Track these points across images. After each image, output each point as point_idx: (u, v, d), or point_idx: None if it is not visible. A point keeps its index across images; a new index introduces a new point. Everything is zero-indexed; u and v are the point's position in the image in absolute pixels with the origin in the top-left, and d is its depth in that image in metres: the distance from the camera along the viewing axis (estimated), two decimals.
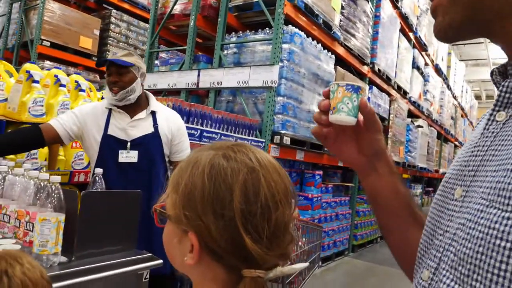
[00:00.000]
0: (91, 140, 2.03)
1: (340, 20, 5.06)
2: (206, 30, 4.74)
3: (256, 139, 3.77)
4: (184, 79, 4.52)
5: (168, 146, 2.12)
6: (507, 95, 0.50)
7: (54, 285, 1.00)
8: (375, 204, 0.76)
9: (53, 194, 1.28)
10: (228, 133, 3.51)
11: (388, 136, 6.69)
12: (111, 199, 1.53)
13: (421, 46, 8.69)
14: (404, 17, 7.33)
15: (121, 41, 6.50)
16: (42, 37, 5.43)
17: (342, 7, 5.06)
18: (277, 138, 3.91)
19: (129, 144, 2.01)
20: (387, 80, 6.75)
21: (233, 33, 4.51)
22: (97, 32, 6.06)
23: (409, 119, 8.02)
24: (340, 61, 5.23)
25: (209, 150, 0.62)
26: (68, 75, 2.70)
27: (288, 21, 4.10)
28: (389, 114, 6.84)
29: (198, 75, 4.38)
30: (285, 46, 3.99)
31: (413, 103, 8.31)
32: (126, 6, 6.85)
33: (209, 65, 4.65)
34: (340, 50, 5.15)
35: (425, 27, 8.64)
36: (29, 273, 0.80)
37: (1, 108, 2.33)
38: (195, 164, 0.60)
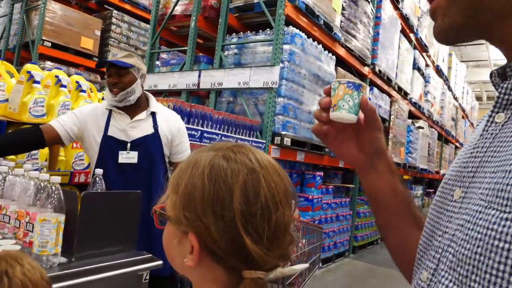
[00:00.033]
0: (91, 141, 2.03)
1: (341, 21, 5.06)
2: (207, 31, 4.75)
3: (256, 140, 3.77)
4: (185, 79, 4.52)
5: (168, 147, 2.12)
6: (506, 97, 0.50)
7: (54, 285, 1.00)
8: (375, 203, 0.76)
9: (53, 195, 1.28)
10: (229, 134, 3.51)
11: (389, 137, 6.68)
12: (111, 199, 1.53)
13: (422, 47, 8.69)
14: (405, 18, 7.33)
15: (122, 41, 6.51)
16: (43, 38, 5.44)
17: (343, 8, 5.06)
18: (277, 139, 3.91)
19: (129, 145, 2.01)
20: (388, 81, 6.75)
21: (234, 34, 4.52)
22: (98, 33, 6.07)
23: (410, 120, 8.02)
24: (340, 62, 5.23)
25: (209, 151, 0.61)
26: (69, 75, 2.70)
27: (289, 22, 4.10)
28: (390, 115, 6.83)
29: (199, 75, 4.38)
30: (285, 47, 3.98)
31: (414, 104, 8.30)
32: (127, 6, 6.86)
33: (210, 66, 4.65)
34: (341, 51, 5.15)
35: (426, 28, 8.64)
36: (29, 274, 0.80)
37: (2, 108, 2.34)
38: (195, 165, 0.60)
